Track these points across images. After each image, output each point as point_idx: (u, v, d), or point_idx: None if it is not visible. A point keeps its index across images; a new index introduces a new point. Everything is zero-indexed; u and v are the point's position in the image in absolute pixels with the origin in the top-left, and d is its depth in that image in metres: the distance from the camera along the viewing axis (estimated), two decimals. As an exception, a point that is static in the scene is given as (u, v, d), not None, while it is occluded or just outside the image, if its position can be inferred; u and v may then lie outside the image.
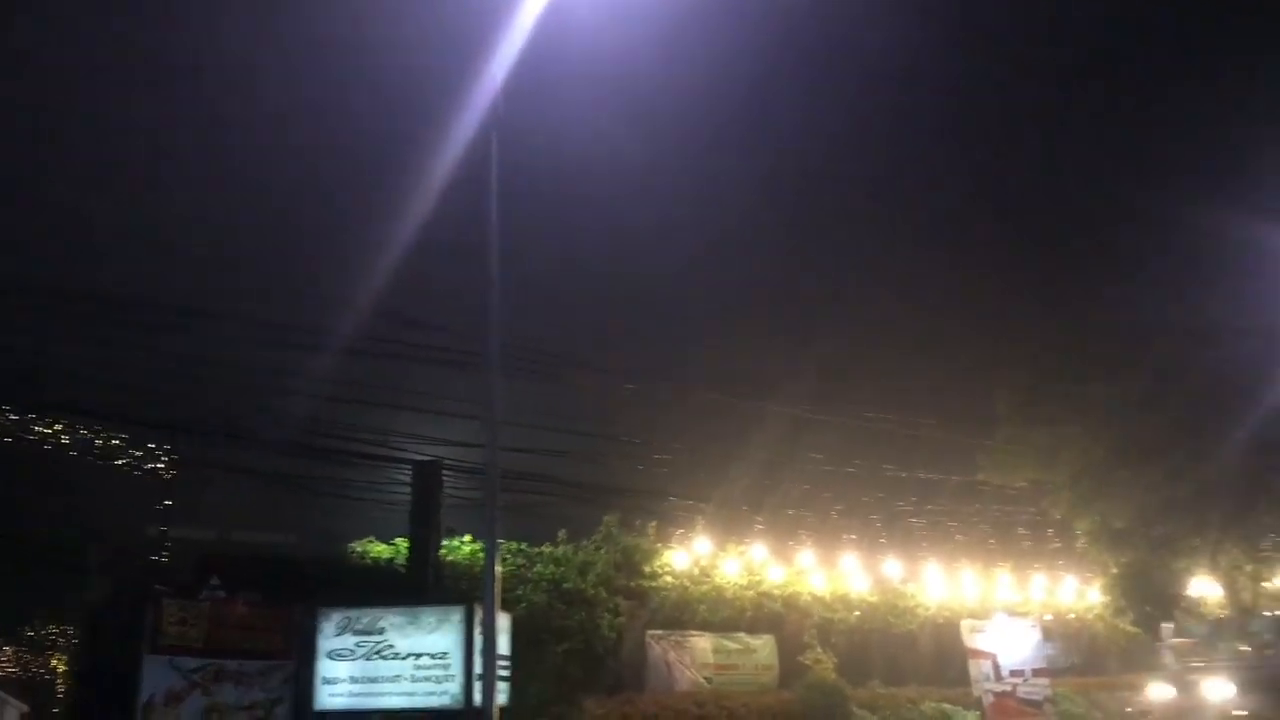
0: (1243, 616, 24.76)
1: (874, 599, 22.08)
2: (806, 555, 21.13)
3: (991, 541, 24.49)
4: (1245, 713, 17.72)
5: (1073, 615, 25.22)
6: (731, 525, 20.43)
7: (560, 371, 18.57)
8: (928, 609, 23.01)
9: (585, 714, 16.98)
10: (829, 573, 21.62)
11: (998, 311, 24.81)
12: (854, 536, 21.96)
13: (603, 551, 19.09)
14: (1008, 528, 25.00)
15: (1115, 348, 22.93)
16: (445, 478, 17.27)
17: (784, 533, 21.05)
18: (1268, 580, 28.99)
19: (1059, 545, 25.14)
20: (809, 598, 21.28)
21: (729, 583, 20.30)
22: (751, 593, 20.34)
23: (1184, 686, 18.96)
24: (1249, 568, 25.63)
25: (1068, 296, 26.19)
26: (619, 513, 19.25)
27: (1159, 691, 19.46)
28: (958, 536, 23.79)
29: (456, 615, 14.75)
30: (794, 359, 22.53)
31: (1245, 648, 20.26)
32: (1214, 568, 24.60)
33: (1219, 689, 18.28)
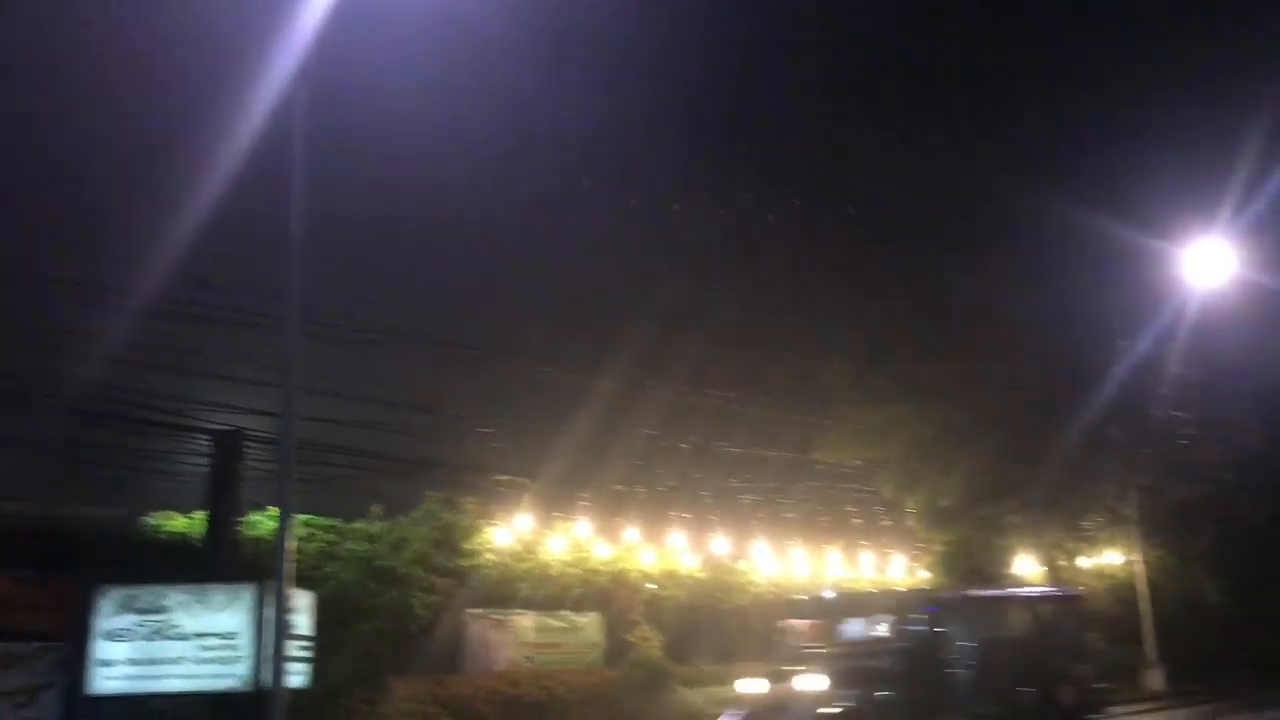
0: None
1: (703, 576, 21.93)
2: (633, 532, 20.81)
3: (823, 518, 24.63)
4: (838, 710, 14.11)
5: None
6: (557, 501, 19.97)
7: (373, 339, 17.76)
8: (758, 585, 23.00)
9: (392, 695, 16.32)
10: (658, 550, 21.38)
11: (835, 291, 24.88)
12: (686, 515, 21.74)
13: (421, 528, 18.40)
14: (840, 505, 25.19)
15: (947, 331, 23.24)
16: (248, 449, 16.30)
17: (611, 509, 20.68)
18: (1088, 556, 29.99)
19: (889, 523, 25.47)
20: (637, 575, 21.01)
21: (554, 560, 19.87)
22: (577, 570, 19.95)
23: (777, 678, 15.22)
24: (1069, 545, 26.47)
25: (904, 279, 26.46)
26: (439, 489, 18.59)
27: (749, 686, 15.64)
28: (788, 515, 23.84)
29: (247, 593, 13.92)
30: (629, 334, 21.98)
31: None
32: (1037, 546, 25.27)
33: (812, 681, 14.50)
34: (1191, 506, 31.57)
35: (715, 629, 22.66)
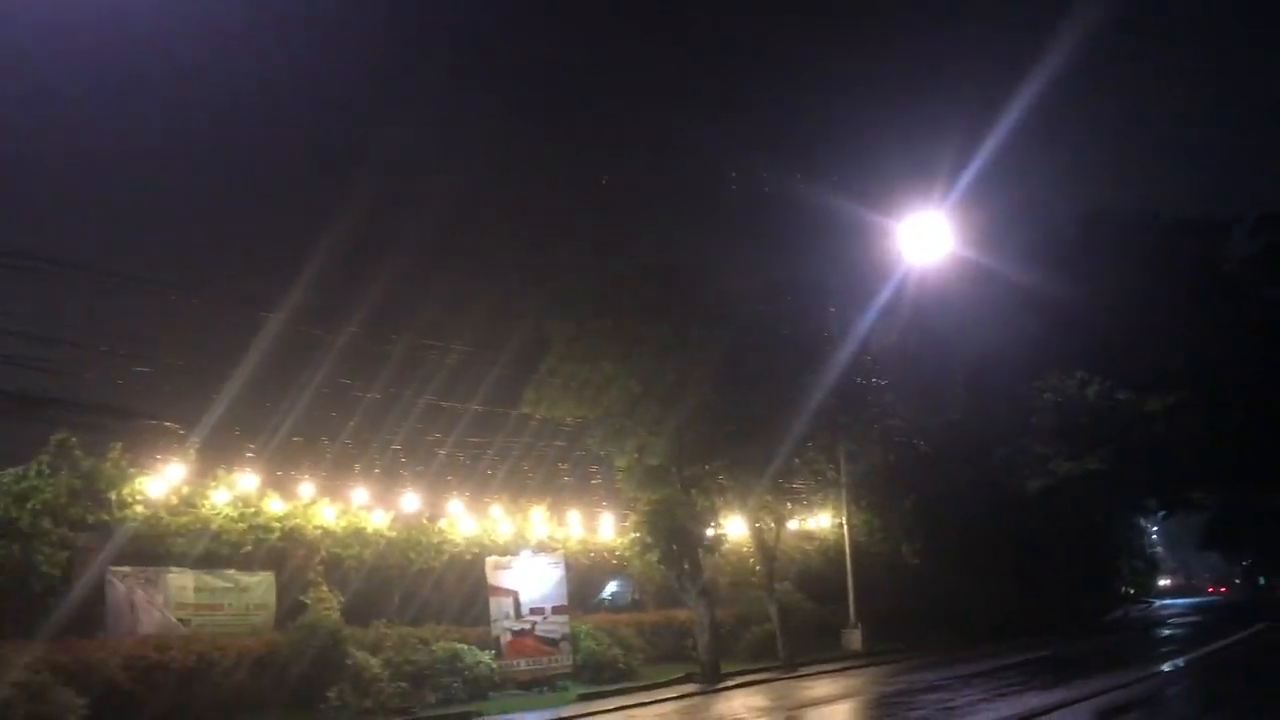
0: (766, 560, 25.75)
1: (393, 534, 20.67)
2: (308, 487, 19.29)
3: (530, 476, 23.85)
4: None
5: (616, 554, 25.19)
6: (224, 452, 18.21)
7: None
8: (456, 545, 21.97)
9: (4, 664, 14.30)
10: (342, 506, 19.96)
11: (555, 247, 23.98)
12: (376, 470, 20.40)
13: (56, 477, 16.28)
14: (551, 463, 24.48)
15: (665, 292, 22.77)
16: None
17: (287, 461, 19.10)
18: (800, 518, 30.60)
19: (599, 481, 24.97)
20: (318, 532, 19.52)
21: (217, 514, 18.10)
22: (243, 525, 18.25)
23: None
24: (777, 508, 26.77)
25: (632, 241, 25.86)
26: (71, 431, 16.47)
27: None
28: (489, 471, 22.90)
29: None
30: (320, 278, 20.33)
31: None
32: (743, 508, 25.36)
33: None
34: (896, 471, 32.85)
35: (407, 590, 21.55)
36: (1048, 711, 13.50)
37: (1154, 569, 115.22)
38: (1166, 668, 18.47)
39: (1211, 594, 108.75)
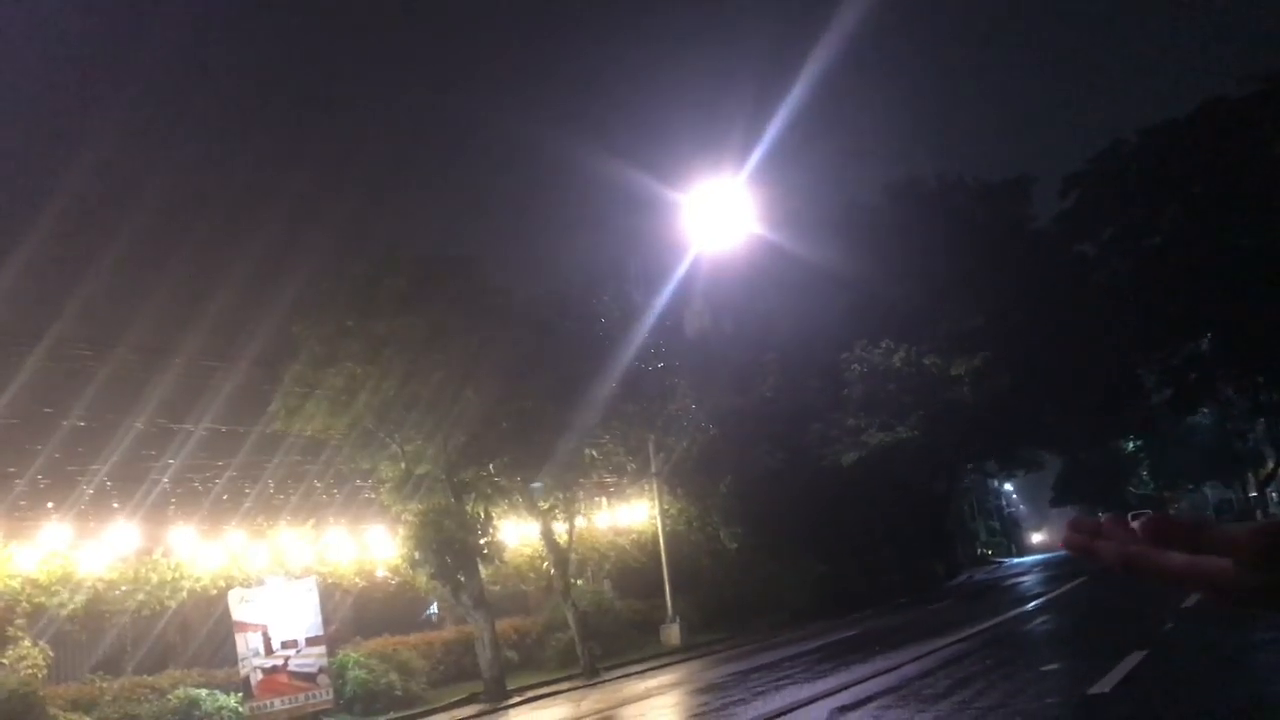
0: (560, 563, 24.30)
1: (113, 575, 18.47)
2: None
3: (280, 497, 21.84)
4: None
5: (384, 572, 23.37)
6: None
7: None
8: (198, 580, 19.86)
9: None
10: (42, 551, 17.66)
11: (303, 247, 22.05)
12: (84, 506, 18.15)
13: None
14: (307, 481, 22.51)
15: (413, 284, 21.09)
16: None
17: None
18: (608, 512, 29.22)
19: (371, 496, 23.09)
20: (18, 581, 17.21)
21: None
22: (-101, 584, 15.89)
23: None
24: (574, 505, 25.37)
25: (374, 230, 24.06)
26: None
27: None
28: (225, 497, 20.81)
29: None
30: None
31: None
32: (529, 509, 23.87)
33: None
34: (708, 456, 31.82)
35: (141, 635, 19.42)
36: (790, 711, 12.41)
37: (1014, 529, 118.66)
38: (945, 643, 17.69)
39: (1062, 549, 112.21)
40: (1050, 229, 42.80)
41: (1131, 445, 75.47)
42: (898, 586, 39.46)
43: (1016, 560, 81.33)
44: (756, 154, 31.55)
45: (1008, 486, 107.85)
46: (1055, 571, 44.24)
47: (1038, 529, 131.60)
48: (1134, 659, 11.87)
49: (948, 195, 40.81)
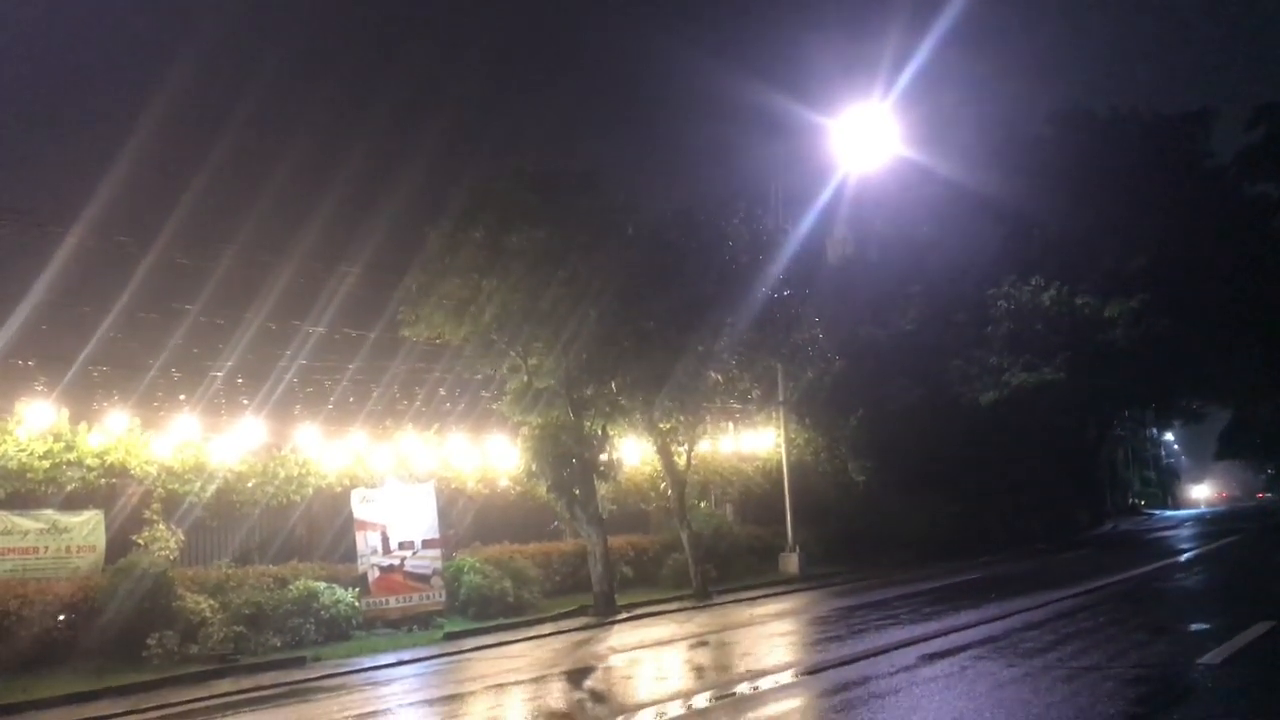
0: (677, 484, 24.21)
1: (243, 468, 19.25)
2: (120, 418, 17.75)
3: (404, 402, 22.30)
4: None
5: (507, 482, 23.76)
6: (16, 383, 16.73)
7: None
8: (324, 478, 20.56)
9: None
10: (178, 439, 18.50)
11: (436, 154, 22.15)
12: (220, 398, 18.88)
13: None
14: (429, 386, 22.90)
15: (540, 197, 20.95)
16: None
17: (100, 393, 17.60)
18: (708, 438, 28.81)
19: (493, 407, 23.33)
20: (150, 467, 18.10)
21: (22, 450, 16.66)
22: (47, 463, 16.80)
23: None
24: (698, 430, 25.19)
25: (500, 142, 23.97)
26: None
27: None
28: (351, 399, 21.35)
29: None
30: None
31: None
32: (649, 429, 23.77)
33: None
34: (840, 387, 31.11)
35: (270, 528, 20.28)
36: (880, 653, 12.02)
37: (1171, 480, 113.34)
38: (1063, 595, 16.91)
39: (1224, 500, 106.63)
40: (1229, 167, 39.77)
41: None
42: (1036, 532, 38.21)
43: (1170, 513, 77.88)
44: (907, 73, 30.10)
45: (1169, 436, 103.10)
46: (1207, 528, 42.09)
47: (1198, 482, 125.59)
48: (1258, 629, 11.04)
49: (1120, 127, 38.23)
